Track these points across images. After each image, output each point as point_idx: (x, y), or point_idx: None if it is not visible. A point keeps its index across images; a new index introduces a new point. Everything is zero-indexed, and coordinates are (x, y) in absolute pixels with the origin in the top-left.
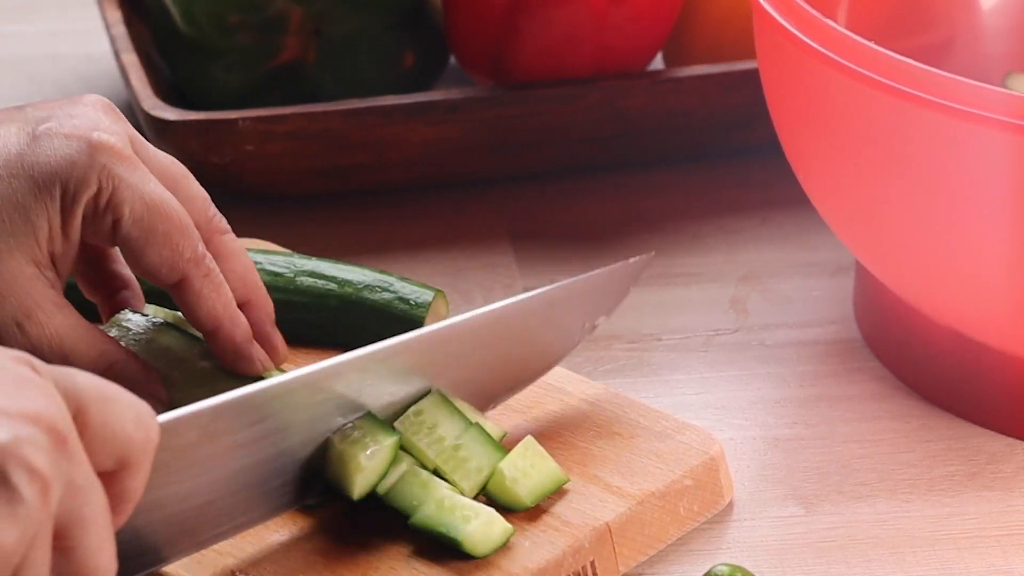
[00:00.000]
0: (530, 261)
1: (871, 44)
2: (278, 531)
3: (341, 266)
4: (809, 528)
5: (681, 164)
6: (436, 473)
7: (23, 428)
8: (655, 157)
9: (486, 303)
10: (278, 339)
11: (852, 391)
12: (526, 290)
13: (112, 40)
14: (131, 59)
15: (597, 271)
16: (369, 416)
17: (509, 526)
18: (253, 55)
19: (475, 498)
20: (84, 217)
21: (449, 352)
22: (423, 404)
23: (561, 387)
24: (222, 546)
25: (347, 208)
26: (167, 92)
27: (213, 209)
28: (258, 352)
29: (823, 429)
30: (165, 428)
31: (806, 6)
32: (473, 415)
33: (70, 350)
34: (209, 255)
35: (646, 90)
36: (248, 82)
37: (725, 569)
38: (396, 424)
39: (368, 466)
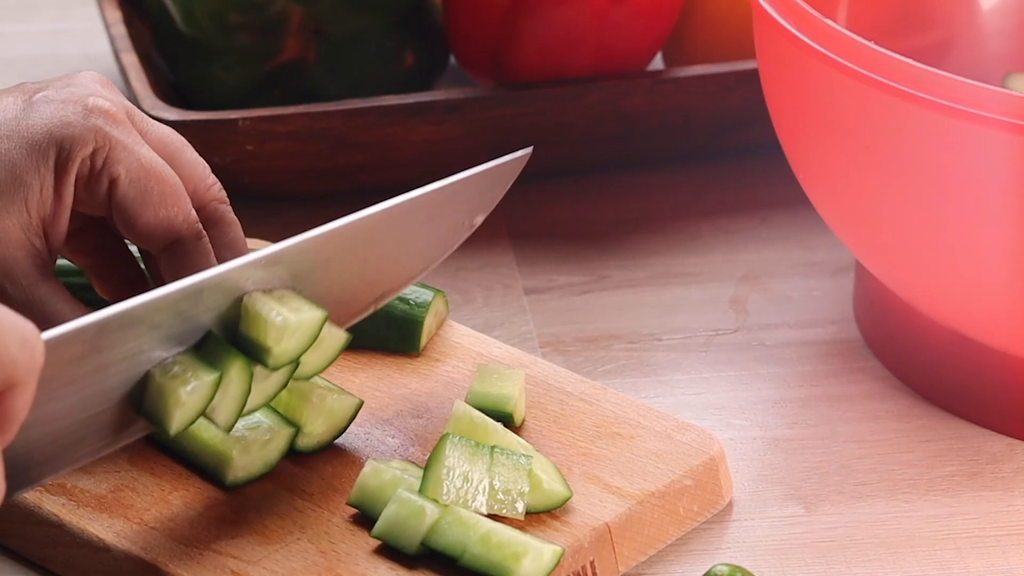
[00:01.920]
0: (530, 261)
1: (871, 44)
2: (278, 530)
3: None
4: (809, 528)
5: (681, 164)
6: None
7: None
8: (655, 157)
9: (486, 303)
10: None
11: (852, 391)
12: (527, 291)
13: (112, 40)
14: (131, 59)
15: (473, 170)
16: (192, 351)
17: (558, 548)
18: (253, 55)
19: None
20: (79, 179)
21: (320, 258)
22: (446, 454)
23: (561, 387)
24: (222, 546)
25: (347, 208)
26: (167, 92)
27: (212, 178)
28: None
29: (823, 429)
30: (51, 345)
31: (806, 6)
32: (488, 432)
33: (52, 317)
34: (199, 223)
35: (646, 90)
36: (248, 82)
37: (725, 569)
38: (443, 498)
39: (188, 402)
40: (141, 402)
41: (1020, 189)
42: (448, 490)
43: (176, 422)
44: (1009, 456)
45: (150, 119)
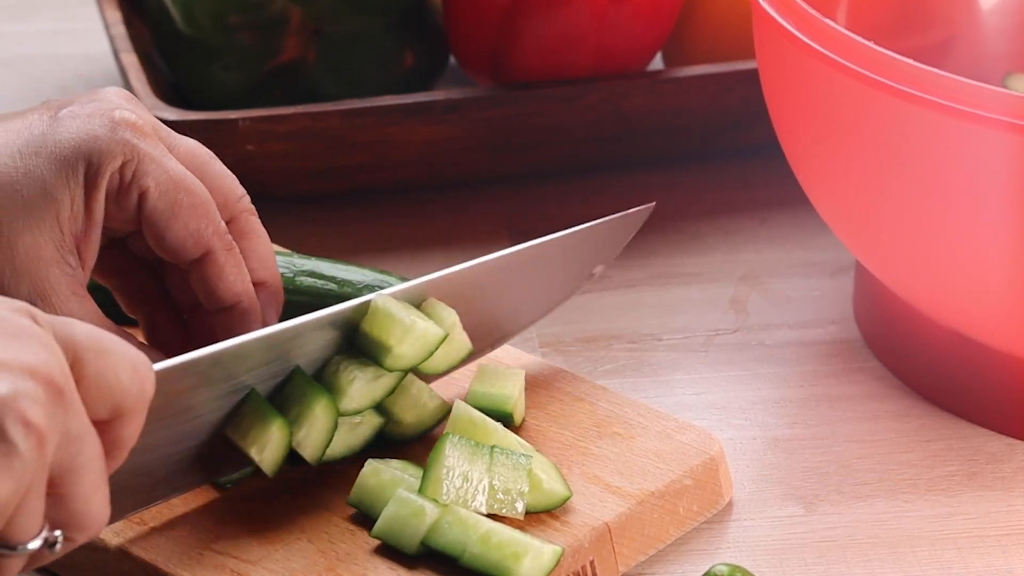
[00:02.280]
0: None
1: (871, 44)
2: (278, 530)
3: (341, 266)
4: (809, 528)
5: (681, 164)
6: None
7: (22, 382)
8: (655, 157)
9: None
10: None
11: (852, 391)
12: None
13: (112, 40)
14: (131, 59)
15: (597, 221)
16: (279, 387)
17: (558, 548)
18: (253, 55)
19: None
20: (108, 193)
21: (451, 297)
22: (446, 454)
23: (561, 387)
24: (222, 546)
25: (347, 208)
26: (167, 92)
27: (241, 189)
28: None
29: (823, 429)
30: (161, 376)
31: (806, 6)
32: (488, 432)
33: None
34: (229, 233)
35: (646, 90)
36: (248, 82)
37: (725, 569)
38: (443, 498)
39: (273, 439)
40: (235, 435)
41: (1020, 189)
42: (448, 490)
43: (266, 462)
44: (1009, 456)
45: (176, 133)
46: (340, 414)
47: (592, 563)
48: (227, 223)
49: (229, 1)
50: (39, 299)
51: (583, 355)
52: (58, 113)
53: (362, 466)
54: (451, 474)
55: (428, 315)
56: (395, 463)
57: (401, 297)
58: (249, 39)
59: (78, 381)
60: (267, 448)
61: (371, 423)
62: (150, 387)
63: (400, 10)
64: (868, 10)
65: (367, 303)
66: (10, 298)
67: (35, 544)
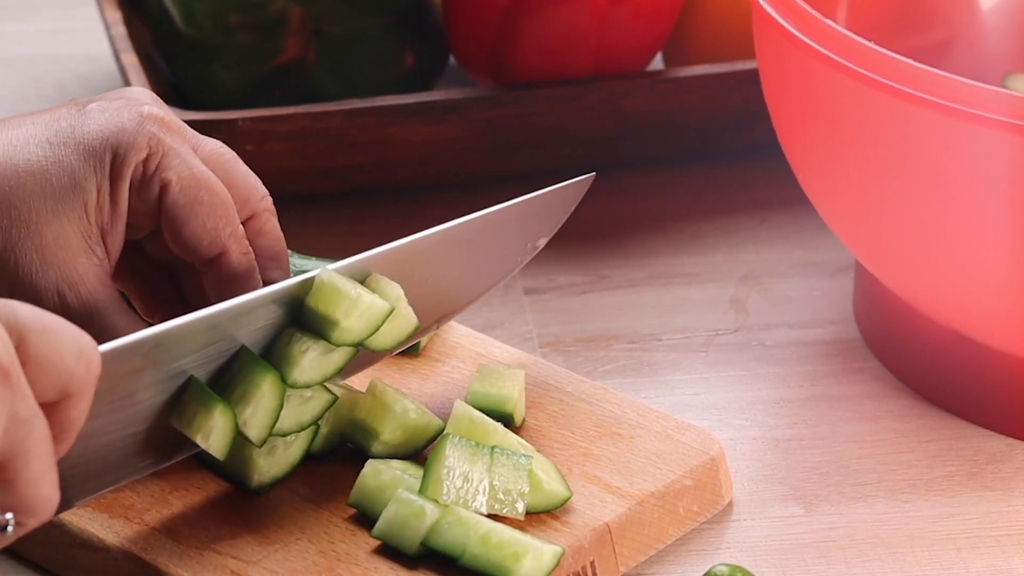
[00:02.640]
0: (530, 261)
1: (871, 44)
2: (278, 530)
3: None
4: (809, 528)
5: (681, 164)
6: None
7: None
8: (655, 157)
9: (486, 303)
10: None
11: (852, 391)
12: (526, 291)
13: (112, 40)
14: (131, 59)
15: (537, 192)
16: (224, 367)
17: (558, 548)
18: (253, 55)
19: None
20: (132, 184)
21: (394, 272)
22: (447, 455)
23: (561, 387)
24: (222, 546)
25: (347, 208)
26: (167, 92)
27: (264, 190)
28: None
29: (823, 429)
30: (107, 357)
31: (806, 6)
32: (488, 432)
33: (109, 328)
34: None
35: (646, 90)
36: (248, 82)
37: (725, 569)
38: (443, 498)
39: (218, 423)
40: (179, 419)
41: (1020, 189)
42: (448, 490)
43: (213, 447)
44: (1009, 456)
45: (200, 134)
46: (290, 386)
47: (592, 563)
48: (247, 221)
49: (229, 1)
50: (67, 287)
51: (583, 355)
52: (86, 107)
53: (362, 466)
54: (451, 474)
55: (372, 290)
56: (395, 463)
57: (344, 273)
58: (249, 39)
59: (23, 362)
60: (212, 434)
61: (322, 398)
62: (96, 367)
63: (400, 10)
64: (868, 10)
65: (311, 279)
66: None
67: None
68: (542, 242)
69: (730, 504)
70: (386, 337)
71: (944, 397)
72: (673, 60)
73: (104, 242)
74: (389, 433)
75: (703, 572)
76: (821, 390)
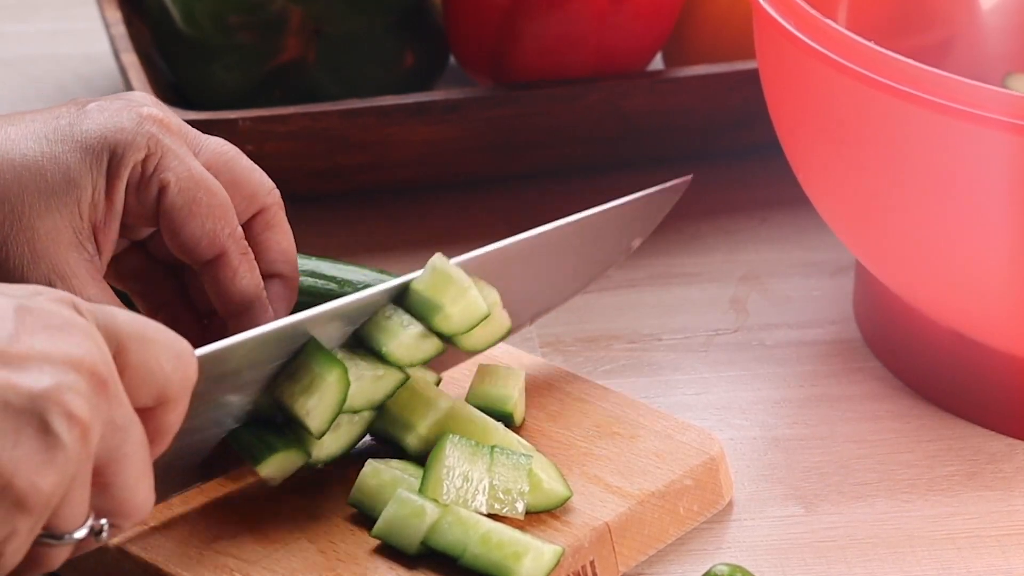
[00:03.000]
0: None
1: (871, 44)
2: (278, 530)
3: (341, 266)
4: (809, 528)
5: (681, 164)
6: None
7: (65, 374)
8: (655, 157)
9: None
10: None
11: (852, 391)
12: None
13: (112, 40)
14: (131, 59)
15: (634, 195)
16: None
17: (558, 548)
18: (253, 55)
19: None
20: (130, 184)
21: (484, 273)
22: (447, 454)
23: (561, 387)
24: (222, 546)
25: (347, 208)
26: (167, 92)
27: (270, 183)
28: None
29: (823, 429)
30: (205, 360)
31: (806, 6)
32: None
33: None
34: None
35: (646, 90)
36: (248, 82)
37: (725, 569)
38: (443, 498)
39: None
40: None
41: (1020, 189)
42: (448, 490)
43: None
44: (1009, 456)
45: (202, 134)
46: (384, 358)
47: (592, 563)
48: (255, 215)
49: (229, 1)
50: (58, 280)
51: (583, 355)
52: (86, 106)
53: (362, 466)
54: (451, 474)
55: None
56: (395, 463)
57: None
58: (249, 39)
59: (122, 370)
60: (318, 405)
61: (394, 377)
62: (193, 373)
63: (400, 10)
64: (868, 10)
65: (426, 269)
66: (52, 288)
67: (81, 533)
68: (637, 242)
69: (730, 504)
70: (478, 339)
71: (944, 397)
72: (673, 60)
73: (96, 239)
74: (425, 428)
75: (703, 572)
76: (821, 390)
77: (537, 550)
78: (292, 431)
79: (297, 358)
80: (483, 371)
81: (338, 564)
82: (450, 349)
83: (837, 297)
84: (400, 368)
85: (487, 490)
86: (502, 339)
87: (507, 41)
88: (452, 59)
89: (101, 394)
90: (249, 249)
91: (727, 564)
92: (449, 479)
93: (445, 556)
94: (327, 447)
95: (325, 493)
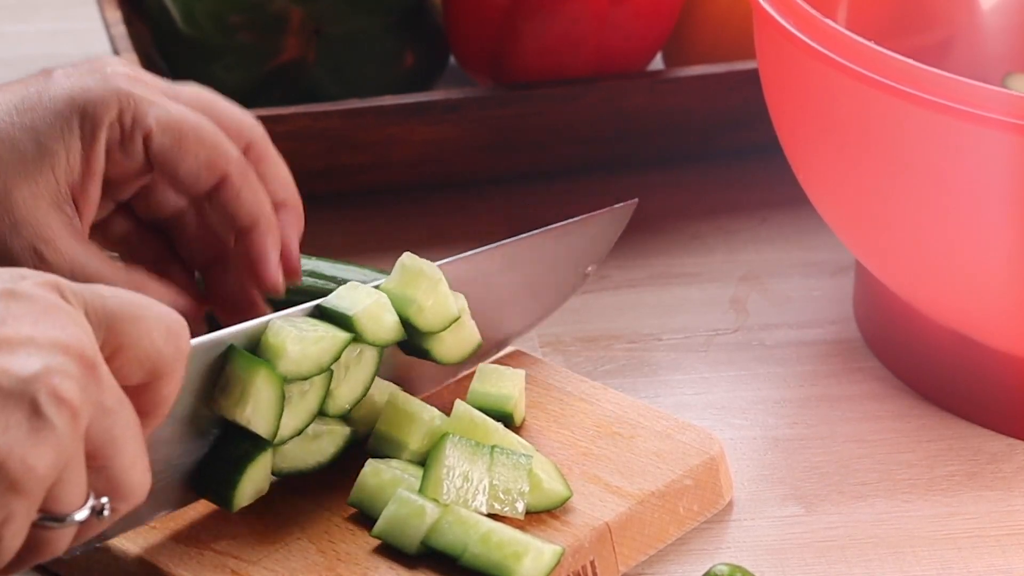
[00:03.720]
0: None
1: (871, 44)
2: (278, 530)
3: (341, 266)
4: (809, 528)
5: (681, 164)
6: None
7: (53, 358)
8: (655, 157)
9: None
10: (297, 257)
11: (852, 391)
12: None
13: (112, 40)
14: (131, 59)
15: (582, 217)
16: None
17: (558, 548)
18: (253, 55)
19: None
20: (111, 143)
21: (455, 284)
22: (447, 454)
23: (561, 387)
24: (222, 546)
25: (347, 208)
26: None
27: (252, 118)
28: (277, 269)
29: (823, 429)
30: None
31: (806, 6)
32: (488, 432)
33: (92, 278)
34: (243, 158)
35: (646, 90)
36: (248, 82)
37: (725, 569)
38: (443, 498)
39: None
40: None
41: (1020, 189)
42: (448, 489)
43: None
44: (1009, 456)
45: (179, 85)
46: (366, 341)
47: (592, 563)
48: (244, 152)
49: (229, 1)
50: (43, 244)
51: (583, 355)
52: (52, 74)
53: (362, 466)
54: (451, 474)
55: None
56: (395, 463)
57: None
58: (249, 39)
59: (115, 349)
60: (256, 409)
61: (338, 433)
62: (185, 346)
63: (400, 10)
64: (868, 10)
65: (392, 270)
66: (37, 271)
67: (82, 514)
68: (592, 269)
69: (730, 504)
70: (451, 348)
71: (944, 397)
72: (673, 60)
73: (76, 202)
74: (416, 443)
75: (703, 572)
76: (821, 390)
77: (537, 550)
78: (246, 440)
79: (224, 369)
80: (483, 371)
81: (338, 564)
82: (425, 368)
83: (837, 297)
84: (351, 331)
85: (487, 490)
86: (475, 355)
87: (507, 41)
88: (452, 59)
89: (90, 377)
90: (249, 167)
91: (727, 564)
92: (449, 479)
93: (445, 556)
94: (284, 430)
95: (325, 493)
